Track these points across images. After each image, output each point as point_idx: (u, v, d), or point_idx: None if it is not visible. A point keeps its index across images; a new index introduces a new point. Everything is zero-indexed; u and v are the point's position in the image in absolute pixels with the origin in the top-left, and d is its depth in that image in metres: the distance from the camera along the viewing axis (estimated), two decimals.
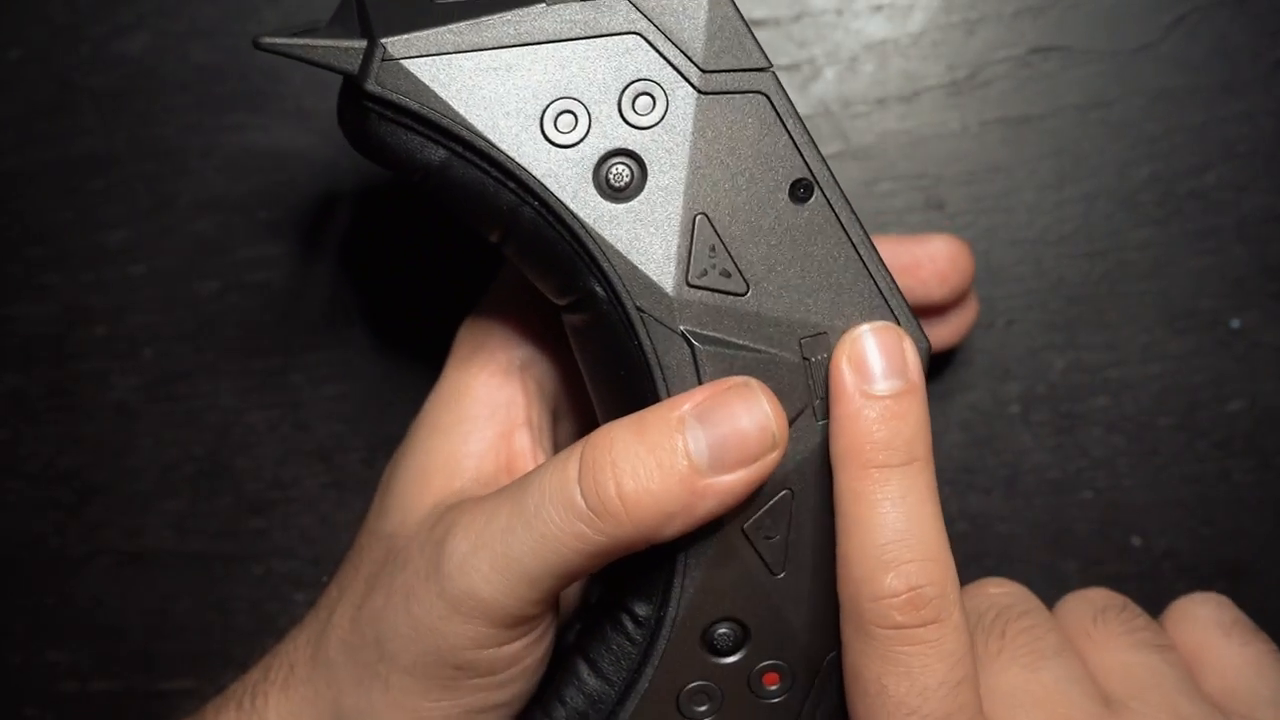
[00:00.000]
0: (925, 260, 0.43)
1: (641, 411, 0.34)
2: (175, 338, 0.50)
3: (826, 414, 0.34)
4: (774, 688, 0.36)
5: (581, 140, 0.33)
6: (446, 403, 0.39)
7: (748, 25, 0.33)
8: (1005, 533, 0.48)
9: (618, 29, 0.33)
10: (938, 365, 0.48)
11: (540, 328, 0.40)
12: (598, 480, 0.33)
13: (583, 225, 0.33)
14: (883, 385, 0.33)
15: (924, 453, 0.34)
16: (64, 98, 0.49)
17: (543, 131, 0.33)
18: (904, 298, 0.35)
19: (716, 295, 0.34)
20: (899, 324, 0.34)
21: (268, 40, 0.32)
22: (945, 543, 0.34)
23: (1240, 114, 0.47)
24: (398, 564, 0.36)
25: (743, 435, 0.33)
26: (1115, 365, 0.48)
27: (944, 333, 0.45)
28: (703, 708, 0.36)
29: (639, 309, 0.33)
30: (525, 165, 0.33)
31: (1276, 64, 0.47)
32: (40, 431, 0.50)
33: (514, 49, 0.33)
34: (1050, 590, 0.48)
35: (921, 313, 0.44)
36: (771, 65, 0.33)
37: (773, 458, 0.33)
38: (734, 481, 0.33)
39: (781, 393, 0.34)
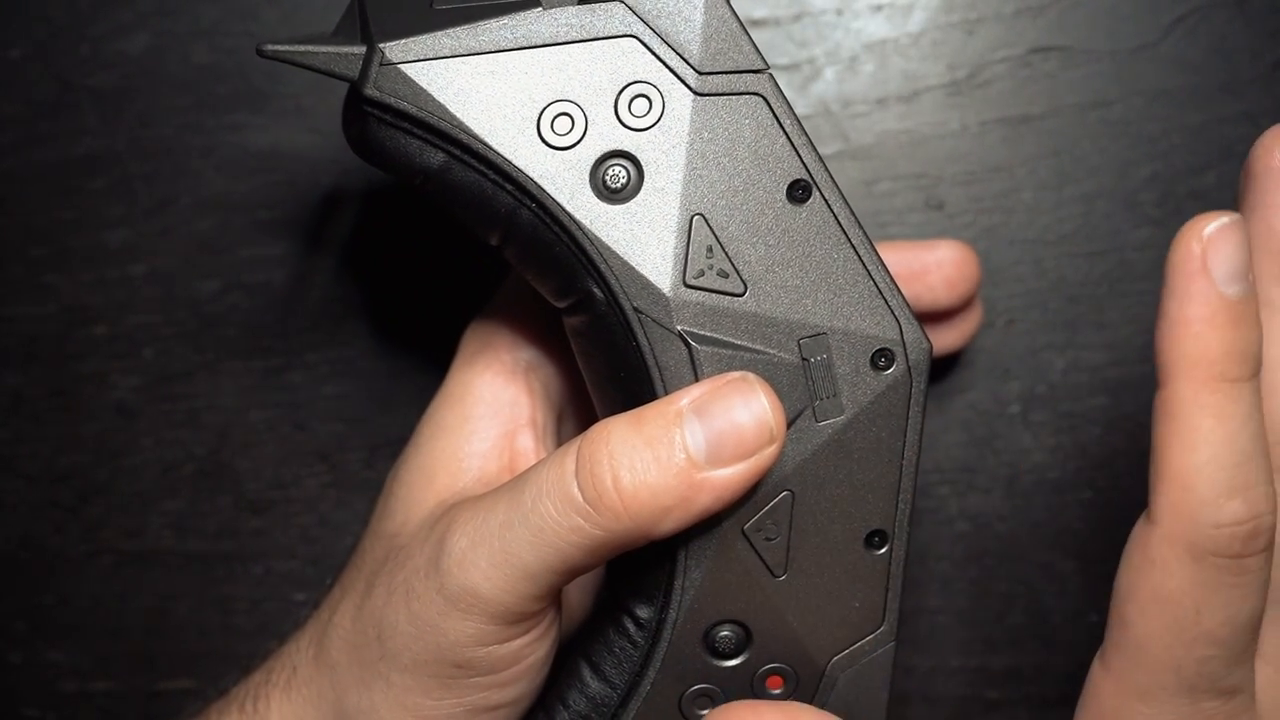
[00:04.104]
0: (932, 266, 0.43)
1: (640, 407, 0.34)
2: (175, 338, 0.50)
3: (827, 415, 0.34)
4: (777, 691, 0.36)
5: (578, 142, 0.33)
6: (451, 402, 0.39)
7: (744, 27, 0.33)
8: (1005, 532, 0.48)
9: (614, 32, 0.33)
10: (939, 366, 0.48)
11: (546, 330, 0.40)
12: (595, 474, 0.33)
13: (580, 227, 0.33)
14: (1234, 289, 0.31)
15: (1259, 366, 0.32)
16: (64, 98, 0.49)
17: (540, 134, 0.33)
18: (904, 297, 0.35)
19: (714, 296, 0.34)
20: (899, 324, 0.34)
21: (270, 48, 0.33)
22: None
23: (1240, 114, 0.47)
24: (399, 561, 0.36)
25: (740, 429, 0.33)
26: (1115, 365, 0.48)
27: (949, 338, 0.45)
28: (705, 711, 0.36)
29: (636, 310, 0.34)
30: (522, 168, 0.33)
31: (1276, 64, 0.47)
32: (40, 431, 0.51)
33: (511, 53, 0.33)
34: (1051, 590, 0.48)
35: (927, 318, 0.44)
36: (768, 67, 0.33)
37: (770, 452, 0.33)
38: (732, 476, 0.33)
39: (781, 393, 0.34)
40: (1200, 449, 0.31)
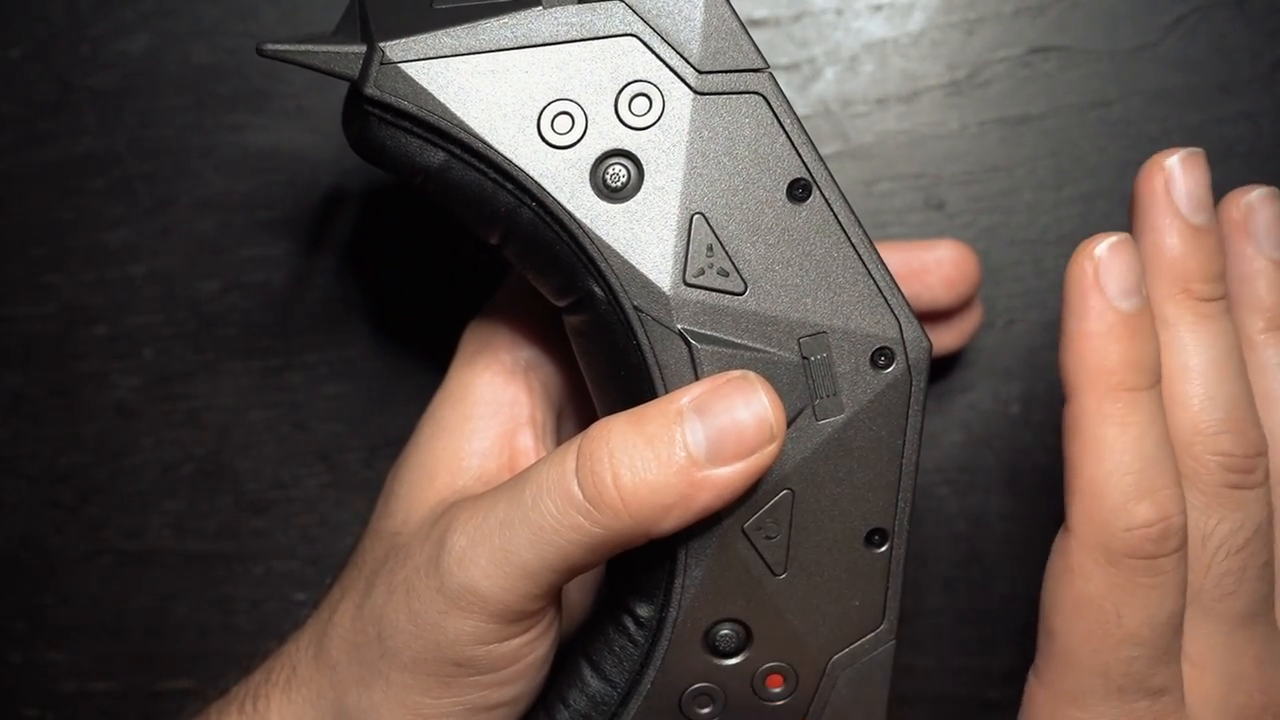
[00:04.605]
0: (932, 265, 0.43)
1: (640, 406, 0.34)
2: (175, 338, 0.50)
3: (827, 414, 0.34)
4: (777, 690, 0.36)
5: (578, 141, 0.33)
6: (450, 401, 0.39)
7: (744, 26, 0.33)
8: (1005, 532, 0.48)
9: (614, 31, 0.33)
10: (939, 366, 0.48)
11: (546, 329, 0.40)
12: (595, 472, 0.33)
13: (580, 225, 0.33)
14: (1128, 303, 0.32)
15: (1158, 377, 0.33)
16: (64, 98, 0.49)
17: (540, 133, 0.33)
18: (904, 296, 0.35)
19: (714, 294, 0.34)
20: (899, 323, 0.34)
21: (270, 47, 0.33)
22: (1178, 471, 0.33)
23: (1239, 114, 0.47)
24: (399, 560, 0.36)
25: (741, 427, 0.33)
26: None
27: (949, 337, 0.45)
28: (705, 710, 0.36)
29: (637, 308, 0.34)
30: (522, 166, 0.33)
31: (1275, 64, 0.47)
32: (40, 431, 0.51)
33: (511, 52, 0.33)
34: None
35: (927, 318, 0.44)
36: (768, 66, 0.33)
37: (771, 450, 0.33)
38: (732, 474, 0.33)
39: (781, 392, 0.34)
40: (1107, 457, 0.32)
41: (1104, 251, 0.32)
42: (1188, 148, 0.34)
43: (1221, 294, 0.34)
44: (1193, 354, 0.34)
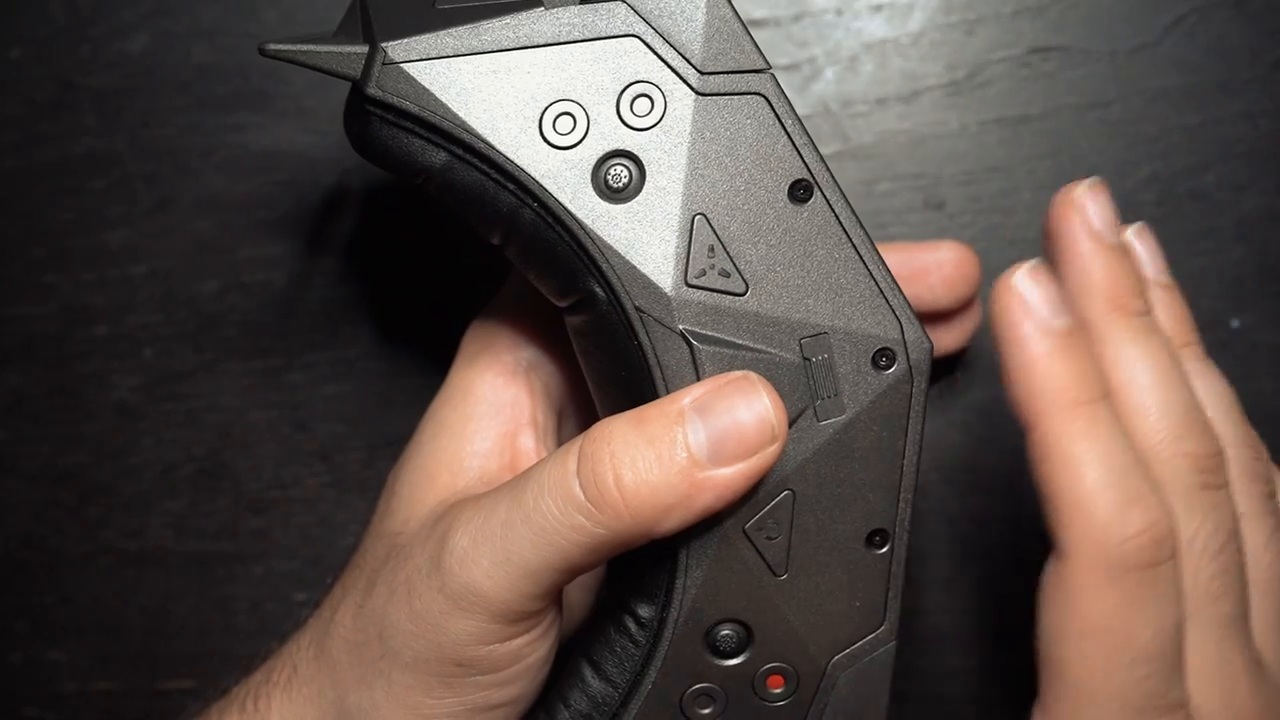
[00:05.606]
0: (933, 267, 0.43)
1: (642, 406, 0.34)
2: (175, 338, 0.50)
3: (828, 414, 0.34)
4: (778, 691, 0.36)
5: (580, 142, 0.33)
6: (452, 402, 0.39)
7: (745, 27, 0.33)
8: (1006, 532, 0.48)
9: (616, 32, 0.33)
10: (939, 366, 0.48)
11: (547, 330, 0.40)
12: (596, 472, 0.33)
13: (582, 226, 0.33)
14: (1060, 321, 0.33)
15: (1105, 389, 0.33)
16: (64, 98, 0.49)
17: (541, 133, 0.33)
18: (905, 297, 0.35)
19: (715, 295, 0.34)
20: (900, 324, 0.34)
21: (273, 47, 0.33)
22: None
23: (1238, 114, 0.47)
24: (400, 560, 0.36)
25: (742, 428, 0.33)
26: None
27: (949, 338, 0.45)
28: (706, 710, 0.36)
29: (638, 309, 0.34)
30: (524, 167, 0.33)
31: (1274, 64, 0.47)
32: (40, 431, 0.51)
33: (513, 52, 0.33)
34: None
35: (927, 319, 0.44)
36: (769, 67, 0.34)
37: (772, 451, 0.33)
38: (733, 475, 0.33)
39: (782, 393, 0.34)
40: (1086, 473, 0.32)
41: (1024, 280, 0.33)
42: (1088, 179, 0.35)
43: (1149, 308, 0.35)
44: (1140, 366, 0.34)
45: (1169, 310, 0.36)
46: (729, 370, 0.34)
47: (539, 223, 0.34)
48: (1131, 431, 0.34)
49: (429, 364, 0.49)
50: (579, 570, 0.34)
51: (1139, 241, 0.37)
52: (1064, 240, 0.35)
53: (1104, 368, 0.34)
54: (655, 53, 0.33)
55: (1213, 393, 0.36)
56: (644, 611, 0.36)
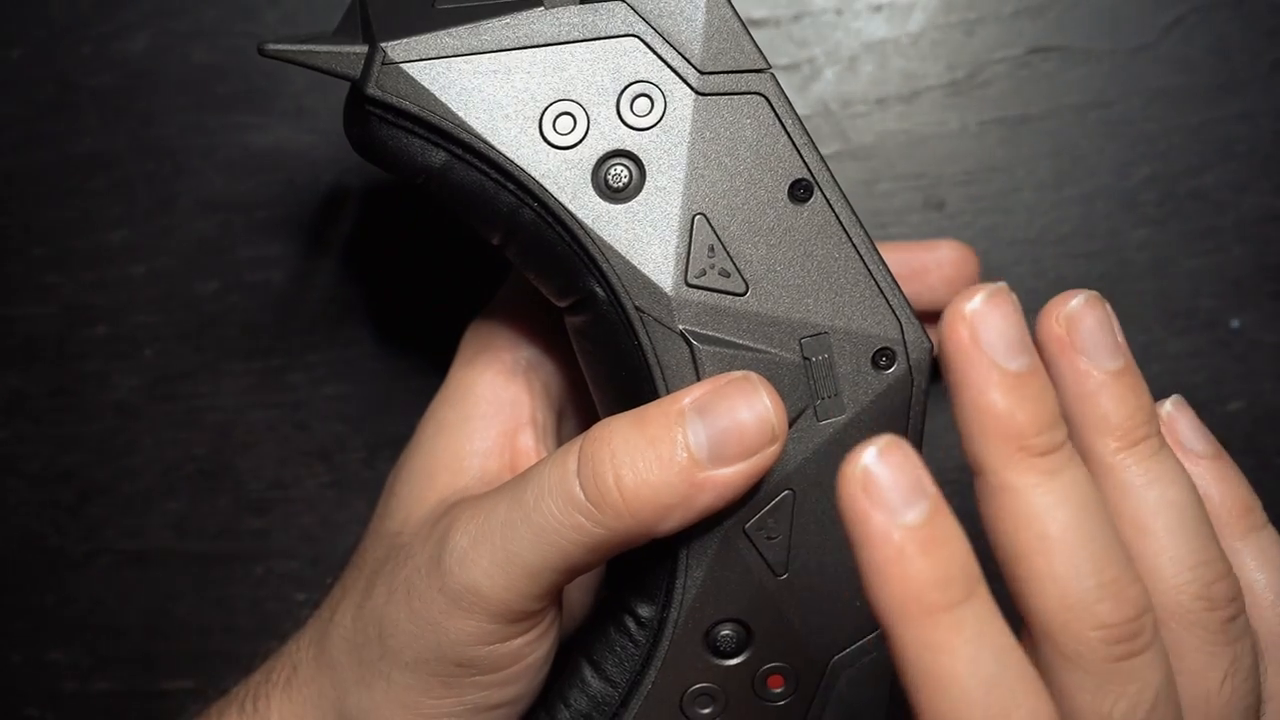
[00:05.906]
0: (932, 266, 0.43)
1: (642, 406, 0.34)
2: (175, 338, 0.50)
3: (828, 414, 0.34)
4: (778, 690, 0.36)
5: (580, 142, 0.33)
6: (451, 401, 0.39)
7: (745, 27, 0.33)
8: None
9: (616, 31, 0.33)
10: (940, 367, 0.48)
11: (547, 329, 0.40)
12: (597, 472, 0.33)
13: (582, 226, 0.33)
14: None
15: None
16: (64, 98, 0.49)
17: (541, 133, 0.33)
18: (905, 297, 0.35)
19: (715, 295, 0.34)
20: (900, 323, 0.34)
21: (272, 47, 0.33)
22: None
23: (1238, 114, 0.47)
24: (400, 560, 0.36)
25: (742, 428, 0.33)
26: None
27: None
28: (706, 710, 0.36)
29: (638, 309, 0.34)
30: (524, 167, 0.33)
31: (1274, 64, 0.47)
32: (40, 431, 0.51)
33: (513, 52, 0.33)
34: None
35: (927, 318, 0.44)
36: (769, 66, 0.34)
37: (772, 451, 0.33)
38: (733, 474, 0.33)
39: (782, 393, 0.34)
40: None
41: (874, 463, 0.27)
42: (990, 284, 0.28)
43: (1062, 439, 0.29)
44: (1047, 520, 0.29)
45: (1117, 402, 0.31)
46: (729, 370, 0.34)
47: (539, 223, 0.34)
48: (1037, 600, 0.30)
49: (429, 364, 0.49)
50: (579, 570, 0.34)
51: (1086, 317, 0.31)
52: (955, 368, 0.29)
53: (1000, 528, 0.30)
54: (655, 52, 0.33)
55: (1162, 503, 0.31)
56: (644, 611, 0.36)
